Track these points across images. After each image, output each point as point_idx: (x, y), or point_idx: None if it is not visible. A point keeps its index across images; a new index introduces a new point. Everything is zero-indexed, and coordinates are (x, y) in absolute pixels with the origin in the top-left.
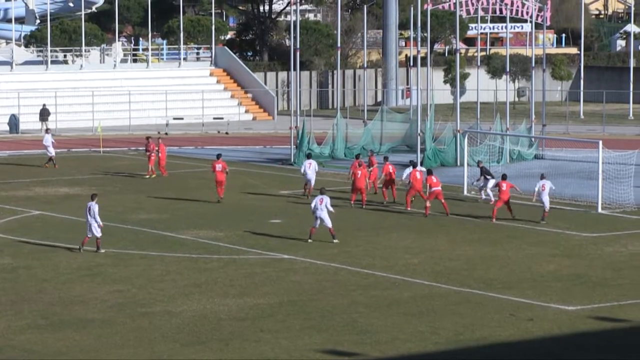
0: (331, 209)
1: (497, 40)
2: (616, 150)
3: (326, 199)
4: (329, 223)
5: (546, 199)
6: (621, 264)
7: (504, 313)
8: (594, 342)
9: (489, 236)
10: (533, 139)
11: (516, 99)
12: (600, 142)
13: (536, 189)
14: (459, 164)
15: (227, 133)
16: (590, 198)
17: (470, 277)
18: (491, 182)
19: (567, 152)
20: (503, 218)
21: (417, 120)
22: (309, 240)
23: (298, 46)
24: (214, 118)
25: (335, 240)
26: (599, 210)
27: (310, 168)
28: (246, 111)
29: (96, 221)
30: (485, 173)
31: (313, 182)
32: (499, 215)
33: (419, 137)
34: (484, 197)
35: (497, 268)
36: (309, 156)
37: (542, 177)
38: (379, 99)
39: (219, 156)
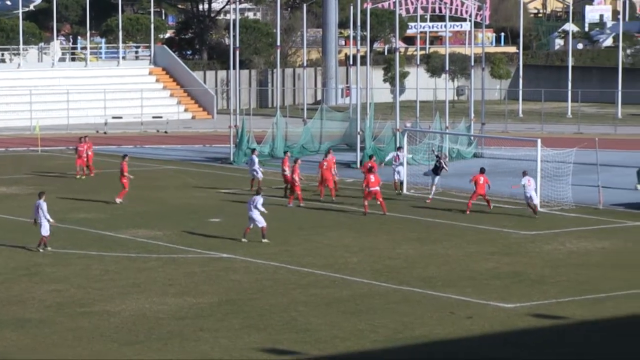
0: (262, 209)
1: (436, 39)
2: (555, 149)
3: (258, 200)
4: (260, 223)
5: (533, 194)
6: (559, 261)
7: (443, 311)
8: (532, 339)
9: (428, 235)
10: (472, 138)
11: (455, 98)
12: (539, 141)
13: (522, 183)
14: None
15: (166, 132)
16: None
17: (409, 275)
18: (437, 179)
19: (506, 150)
20: (444, 217)
21: (357, 119)
22: (243, 240)
23: (237, 45)
24: (153, 117)
25: (264, 240)
26: (538, 208)
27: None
28: (185, 110)
29: (46, 219)
30: (438, 168)
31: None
32: (440, 215)
33: (358, 136)
34: (433, 191)
35: (436, 266)
36: (253, 151)
37: (525, 173)
38: (319, 97)
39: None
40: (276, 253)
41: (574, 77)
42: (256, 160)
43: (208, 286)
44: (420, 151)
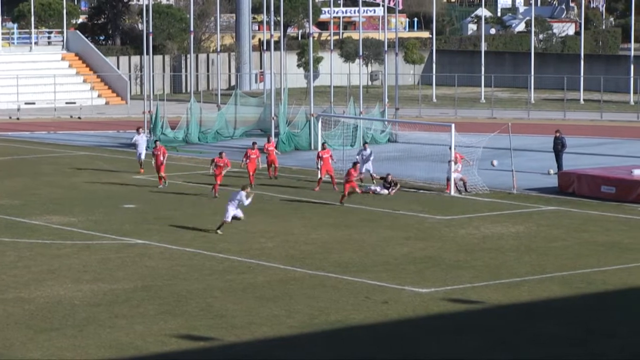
0: (247, 202)
1: (350, 24)
2: (468, 134)
3: (243, 195)
4: (239, 214)
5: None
6: (474, 246)
7: (358, 296)
8: (447, 324)
9: (344, 220)
10: (386, 123)
11: (369, 83)
12: (453, 125)
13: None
14: (312, 147)
15: (79, 118)
16: (443, 181)
17: (325, 260)
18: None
19: (420, 135)
20: (359, 202)
21: (271, 104)
22: (219, 232)
23: (151, 30)
24: (67, 103)
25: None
26: (452, 193)
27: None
28: (99, 95)
29: None
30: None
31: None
32: (356, 200)
33: (272, 121)
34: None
35: (352, 251)
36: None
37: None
38: (233, 83)
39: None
40: (192, 239)
41: (487, 62)
42: (142, 140)
43: (123, 272)
44: (334, 136)
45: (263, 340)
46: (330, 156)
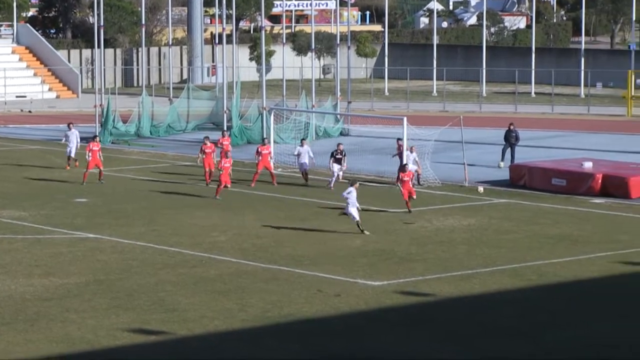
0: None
1: (302, 18)
2: (420, 127)
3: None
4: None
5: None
6: (426, 239)
7: (311, 289)
8: (399, 316)
9: (296, 213)
10: (339, 116)
11: (322, 76)
12: (405, 119)
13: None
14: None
15: (30, 111)
16: (395, 174)
17: (277, 254)
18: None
19: (372, 128)
20: (312, 195)
21: (223, 98)
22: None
23: (102, 23)
24: (17, 96)
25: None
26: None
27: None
28: (50, 89)
29: None
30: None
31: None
32: (309, 193)
33: (225, 115)
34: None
35: (304, 245)
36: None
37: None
38: (185, 76)
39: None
40: (143, 233)
41: (439, 55)
42: (73, 136)
43: (75, 267)
44: (287, 130)
45: (215, 334)
46: (269, 153)
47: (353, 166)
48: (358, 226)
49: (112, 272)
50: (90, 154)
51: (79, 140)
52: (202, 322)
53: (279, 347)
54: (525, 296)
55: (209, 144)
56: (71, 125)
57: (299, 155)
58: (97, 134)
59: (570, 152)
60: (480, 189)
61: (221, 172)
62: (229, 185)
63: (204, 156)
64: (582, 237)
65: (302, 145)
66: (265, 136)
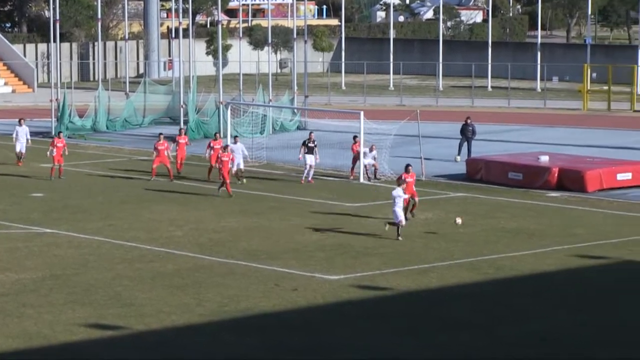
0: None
1: (258, 12)
2: (377, 121)
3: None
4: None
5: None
6: (383, 233)
7: (268, 284)
8: (357, 310)
9: (252, 208)
10: (296, 110)
11: (278, 71)
12: (362, 113)
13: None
14: (221, 135)
15: None
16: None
17: (234, 248)
18: (312, 158)
19: (329, 122)
20: (268, 189)
21: (180, 92)
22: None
23: (58, 17)
24: None
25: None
26: (361, 180)
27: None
28: (5, 84)
29: None
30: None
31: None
32: (265, 188)
33: (182, 109)
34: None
35: (261, 239)
36: (59, 134)
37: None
38: (141, 71)
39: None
40: (100, 227)
41: (396, 49)
42: (22, 132)
43: (31, 261)
44: (244, 124)
45: (172, 328)
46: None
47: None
48: (397, 229)
49: (69, 267)
50: (54, 150)
51: (29, 136)
52: (159, 316)
53: (236, 342)
54: (482, 290)
55: (162, 140)
56: (22, 121)
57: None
58: (61, 131)
59: (526, 146)
60: (458, 158)
61: (221, 167)
62: (227, 181)
63: (157, 154)
64: (539, 231)
65: (234, 143)
66: (216, 131)
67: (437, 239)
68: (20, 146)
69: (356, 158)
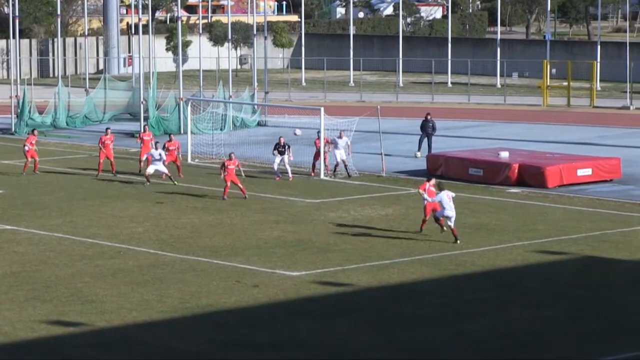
0: None
1: (218, 8)
2: (338, 117)
3: None
4: None
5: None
6: (344, 229)
7: (229, 280)
8: (319, 306)
9: (213, 204)
10: (256, 106)
11: (239, 67)
12: (322, 109)
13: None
14: (182, 131)
15: None
16: (310, 165)
17: (195, 244)
18: (285, 158)
19: (290, 118)
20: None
21: (140, 89)
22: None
23: (17, 14)
24: None
25: None
26: (322, 176)
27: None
28: None
29: None
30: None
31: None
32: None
33: (142, 105)
34: (279, 176)
35: (222, 235)
36: (33, 131)
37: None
38: (101, 67)
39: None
40: (60, 224)
41: (356, 45)
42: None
43: None
44: (204, 120)
45: (133, 325)
46: (177, 147)
47: (270, 157)
48: (452, 232)
49: (29, 264)
50: (29, 146)
51: None
52: (120, 313)
53: (197, 338)
54: (443, 285)
55: (109, 135)
56: None
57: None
58: (35, 128)
59: (486, 142)
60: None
61: (226, 174)
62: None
63: (103, 147)
64: (499, 227)
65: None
66: (144, 123)
67: (397, 235)
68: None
69: (318, 154)
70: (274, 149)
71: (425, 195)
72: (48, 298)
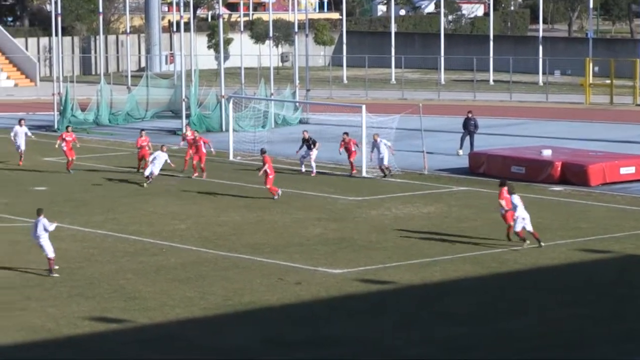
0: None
1: (260, 5)
2: (379, 115)
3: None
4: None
5: (386, 156)
6: (385, 226)
7: (272, 277)
8: (360, 304)
9: (255, 201)
10: (297, 104)
11: (280, 64)
12: (364, 107)
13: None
14: (224, 129)
15: None
16: (354, 162)
17: (238, 242)
18: (314, 153)
19: (331, 116)
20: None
21: (182, 86)
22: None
23: (59, 11)
24: None
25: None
26: (364, 174)
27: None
28: (8, 77)
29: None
30: (308, 143)
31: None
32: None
33: (183, 103)
34: (303, 169)
35: (264, 233)
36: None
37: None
38: (143, 64)
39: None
40: (103, 221)
41: (397, 43)
42: (21, 132)
43: (35, 255)
44: (245, 118)
45: (176, 322)
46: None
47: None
48: (519, 235)
49: (73, 261)
50: (63, 144)
51: (29, 134)
52: (163, 310)
53: (239, 335)
54: (485, 284)
55: (144, 137)
56: (22, 122)
57: None
58: (69, 124)
59: (529, 140)
60: (460, 152)
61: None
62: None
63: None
64: (542, 225)
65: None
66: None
67: (439, 233)
68: (19, 145)
69: (349, 152)
70: (300, 147)
71: (504, 204)
72: (91, 295)
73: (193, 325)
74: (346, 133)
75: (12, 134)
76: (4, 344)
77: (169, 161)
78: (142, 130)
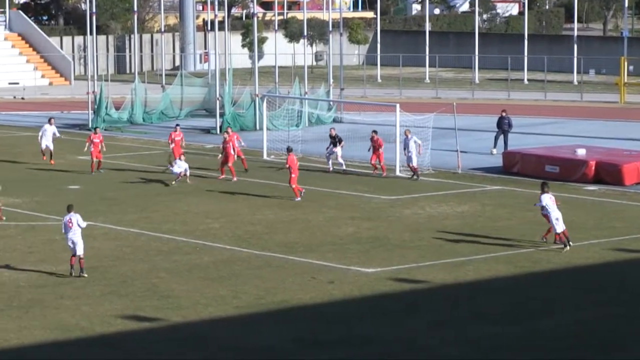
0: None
1: (294, 4)
2: (413, 114)
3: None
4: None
5: (414, 156)
6: (419, 225)
7: (304, 276)
8: (394, 303)
9: (288, 200)
10: (332, 103)
11: (314, 63)
12: (398, 106)
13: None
14: (258, 128)
15: (23, 98)
16: (388, 161)
17: (271, 241)
18: (339, 150)
19: (366, 115)
20: (303, 182)
21: (216, 85)
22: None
23: (94, 10)
24: (10, 83)
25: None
26: (397, 173)
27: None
28: (42, 76)
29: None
30: (334, 140)
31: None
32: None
33: (217, 102)
34: (331, 167)
35: (297, 231)
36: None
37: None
38: (177, 63)
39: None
40: (136, 220)
41: (432, 42)
42: (50, 131)
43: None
44: (279, 117)
45: (209, 320)
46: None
47: (346, 153)
48: (560, 239)
49: (106, 259)
50: (91, 145)
51: (58, 134)
52: (196, 308)
53: (272, 334)
54: (518, 283)
55: (178, 131)
56: (52, 120)
57: None
58: (97, 126)
59: (563, 139)
60: (494, 150)
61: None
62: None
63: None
64: (576, 224)
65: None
66: (177, 123)
67: (473, 232)
68: (46, 143)
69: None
70: (328, 146)
71: (544, 206)
72: (124, 293)
73: (226, 324)
74: (375, 131)
75: (40, 133)
76: (38, 343)
77: (188, 173)
78: (177, 125)
